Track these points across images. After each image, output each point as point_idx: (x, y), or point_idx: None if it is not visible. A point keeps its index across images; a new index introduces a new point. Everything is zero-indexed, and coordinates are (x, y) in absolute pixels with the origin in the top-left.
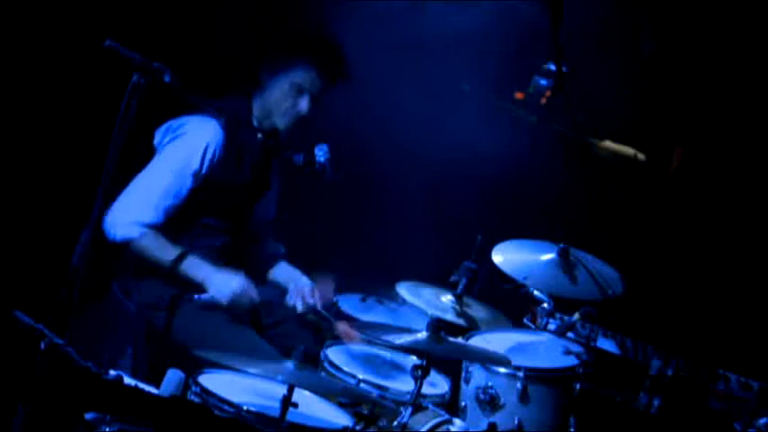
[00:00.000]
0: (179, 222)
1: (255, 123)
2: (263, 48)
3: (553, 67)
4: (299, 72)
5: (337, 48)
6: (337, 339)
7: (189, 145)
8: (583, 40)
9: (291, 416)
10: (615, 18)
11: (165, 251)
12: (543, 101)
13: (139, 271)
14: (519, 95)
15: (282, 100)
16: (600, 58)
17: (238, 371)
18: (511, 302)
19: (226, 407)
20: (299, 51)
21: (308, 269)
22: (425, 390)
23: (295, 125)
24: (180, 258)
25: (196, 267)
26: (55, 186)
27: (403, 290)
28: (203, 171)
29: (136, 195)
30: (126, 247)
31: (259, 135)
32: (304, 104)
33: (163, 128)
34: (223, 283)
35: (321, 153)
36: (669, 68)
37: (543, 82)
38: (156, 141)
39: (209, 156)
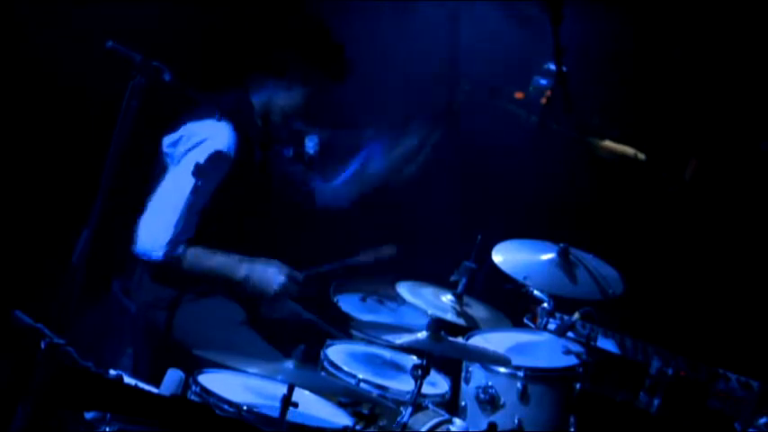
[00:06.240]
0: None
1: (256, 117)
2: (260, 44)
3: (553, 67)
4: (296, 72)
5: (334, 47)
6: (337, 338)
7: (207, 153)
8: (597, 46)
9: (291, 416)
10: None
11: (210, 260)
12: (543, 101)
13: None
14: (519, 95)
15: (279, 98)
16: (616, 64)
17: (238, 371)
18: (511, 302)
19: (226, 406)
20: (295, 52)
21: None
22: (425, 389)
23: (291, 121)
24: (224, 262)
25: (237, 267)
26: (55, 186)
27: (403, 290)
28: (222, 175)
29: (166, 214)
30: (170, 265)
31: (259, 126)
32: (300, 102)
33: (174, 136)
34: (266, 276)
35: (311, 144)
36: (689, 77)
37: (543, 82)
38: (167, 150)
39: (227, 160)
